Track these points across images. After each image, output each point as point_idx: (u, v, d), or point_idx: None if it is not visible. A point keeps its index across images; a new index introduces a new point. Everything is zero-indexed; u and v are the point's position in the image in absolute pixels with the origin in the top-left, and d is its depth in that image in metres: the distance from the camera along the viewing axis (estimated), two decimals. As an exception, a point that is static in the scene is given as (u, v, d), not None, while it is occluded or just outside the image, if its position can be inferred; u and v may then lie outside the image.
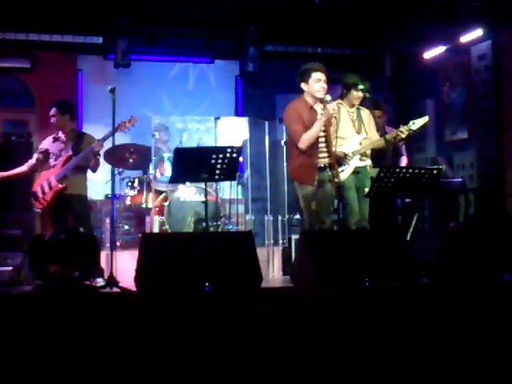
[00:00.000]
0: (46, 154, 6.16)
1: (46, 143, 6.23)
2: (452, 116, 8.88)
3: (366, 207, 5.58)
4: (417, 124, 5.57)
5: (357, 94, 5.74)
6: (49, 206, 5.94)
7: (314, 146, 5.34)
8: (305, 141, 5.30)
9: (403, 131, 5.59)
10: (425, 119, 5.62)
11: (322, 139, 5.39)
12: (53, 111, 6.09)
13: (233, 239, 4.48)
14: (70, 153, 5.96)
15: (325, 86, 5.38)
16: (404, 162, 6.77)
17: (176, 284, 3.99)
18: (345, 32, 8.48)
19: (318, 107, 5.41)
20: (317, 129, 5.30)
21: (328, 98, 5.33)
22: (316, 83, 5.37)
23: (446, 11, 7.65)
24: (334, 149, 5.48)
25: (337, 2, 7.55)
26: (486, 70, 8.19)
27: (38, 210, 6.15)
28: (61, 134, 6.15)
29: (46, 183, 5.96)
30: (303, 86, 5.44)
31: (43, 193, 5.95)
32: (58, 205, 5.92)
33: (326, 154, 5.40)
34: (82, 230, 5.55)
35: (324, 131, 5.40)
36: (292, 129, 5.42)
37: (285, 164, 7.86)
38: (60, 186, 5.88)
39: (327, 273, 4.21)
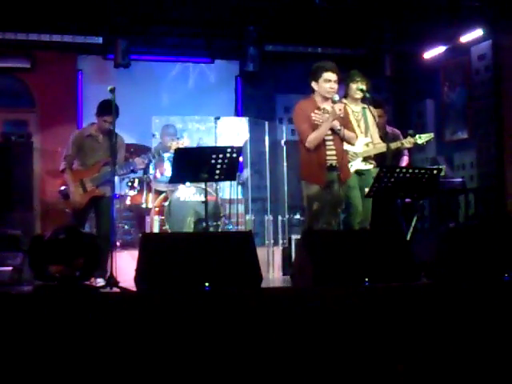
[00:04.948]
0: (78, 150, 5.91)
1: (80, 140, 5.94)
2: (452, 116, 8.88)
3: (369, 207, 5.58)
4: (423, 139, 5.87)
5: (355, 86, 5.74)
6: (81, 207, 5.81)
7: (321, 145, 5.32)
8: (312, 141, 5.31)
9: (409, 142, 5.90)
10: (430, 135, 5.95)
11: (330, 137, 5.35)
12: (112, 118, 5.44)
13: (233, 239, 4.47)
14: (107, 157, 5.65)
15: (335, 86, 5.37)
16: (405, 161, 6.78)
17: (176, 284, 3.99)
18: (345, 32, 8.49)
19: (329, 106, 5.37)
20: (323, 129, 5.28)
21: (336, 97, 5.32)
22: (326, 83, 5.36)
23: (446, 11, 7.66)
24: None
25: (337, 1, 7.55)
26: (486, 70, 8.19)
27: (68, 210, 5.99)
28: (95, 132, 5.92)
29: (79, 184, 5.80)
30: (313, 85, 5.43)
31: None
32: (87, 206, 5.82)
33: (333, 152, 5.35)
34: (104, 229, 5.66)
35: (331, 129, 5.35)
36: (299, 128, 5.43)
37: (285, 164, 7.89)
38: (98, 192, 5.77)
39: (327, 273, 4.21)
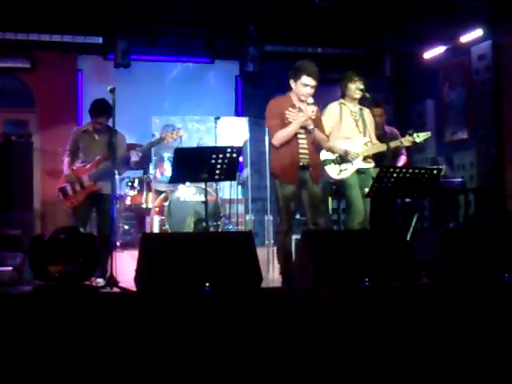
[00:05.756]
0: (76, 146, 5.93)
1: (76, 136, 5.96)
2: (452, 116, 8.89)
3: (368, 207, 5.58)
4: (421, 137, 5.91)
5: (354, 86, 5.72)
6: (79, 204, 5.83)
7: (294, 144, 5.26)
8: (278, 138, 5.24)
9: (408, 141, 5.91)
10: (428, 134, 5.98)
11: (303, 136, 5.28)
12: (105, 119, 5.69)
13: (233, 239, 4.47)
14: (105, 154, 5.69)
15: (311, 91, 5.28)
16: (402, 161, 6.79)
17: (176, 284, 3.99)
18: (345, 32, 8.49)
19: (304, 106, 5.31)
20: (292, 128, 5.22)
21: (310, 100, 5.26)
22: (303, 87, 5.28)
23: (446, 11, 7.65)
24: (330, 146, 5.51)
25: (337, 1, 7.55)
26: (486, 70, 8.19)
27: (68, 208, 5.94)
28: (91, 129, 5.89)
29: (77, 181, 5.80)
30: (291, 83, 5.38)
31: (74, 191, 5.80)
32: (86, 203, 5.81)
33: (306, 151, 5.29)
34: (104, 229, 5.66)
35: (305, 129, 5.28)
36: (268, 124, 5.36)
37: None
38: (95, 187, 5.76)
39: (327, 273, 4.21)
